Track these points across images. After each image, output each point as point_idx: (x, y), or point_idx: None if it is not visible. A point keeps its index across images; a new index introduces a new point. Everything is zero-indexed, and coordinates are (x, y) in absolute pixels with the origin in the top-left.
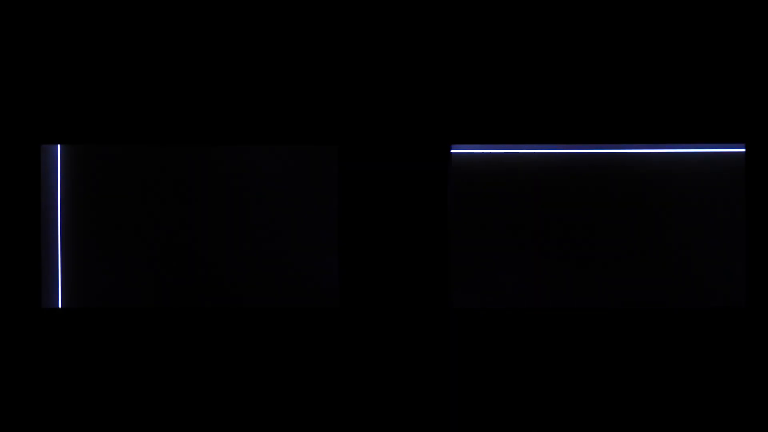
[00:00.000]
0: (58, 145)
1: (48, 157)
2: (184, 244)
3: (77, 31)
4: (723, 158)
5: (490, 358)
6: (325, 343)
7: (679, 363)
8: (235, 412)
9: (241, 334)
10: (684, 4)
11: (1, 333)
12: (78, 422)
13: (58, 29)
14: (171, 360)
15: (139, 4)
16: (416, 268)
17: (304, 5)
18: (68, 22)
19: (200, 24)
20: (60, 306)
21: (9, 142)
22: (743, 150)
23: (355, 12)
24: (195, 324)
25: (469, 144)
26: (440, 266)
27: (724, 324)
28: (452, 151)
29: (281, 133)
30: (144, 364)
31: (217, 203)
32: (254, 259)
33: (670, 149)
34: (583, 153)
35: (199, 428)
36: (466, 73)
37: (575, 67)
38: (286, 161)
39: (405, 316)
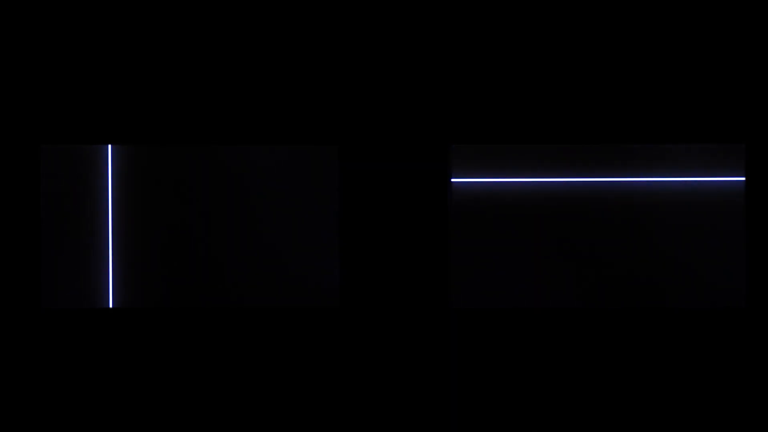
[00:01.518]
0: (109, 146)
1: (99, 157)
2: (184, 243)
3: (77, 30)
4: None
5: (490, 358)
6: (324, 342)
7: (679, 363)
8: (234, 411)
9: (241, 334)
10: (684, 3)
11: (1, 333)
12: (78, 423)
13: (58, 29)
14: (171, 360)
15: (139, 4)
16: (416, 268)
17: (303, 5)
18: (68, 21)
19: (201, 24)
20: (111, 306)
21: (9, 142)
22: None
23: (354, 12)
24: (195, 324)
25: (470, 143)
26: (440, 266)
27: (724, 324)
28: (453, 180)
29: (281, 133)
30: (144, 364)
31: (217, 203)
32: (255, 258)
33: (668, 179)
34: (583, 182)
35: (199, 428)
36: (466, 72)
37: (574, 65)
38: (286, 161)
39: (405, 316)
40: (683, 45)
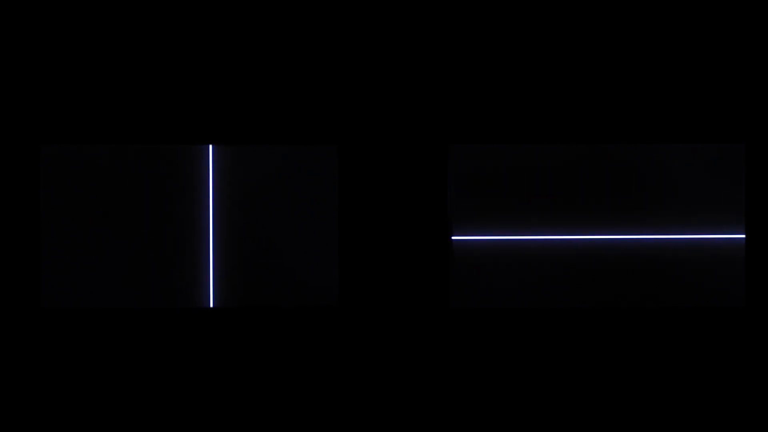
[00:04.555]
0: (210, 146)
1: (200, 156)
2: (183, 243)
3: (77, 31)
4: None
5: (490, 358)
6: (323, 341)
7: (678, 362)
8: (233, 410)
9: (240, 332)
10: (684, 4)
11: (1, 333)
12: (78, 423)
13: (58, 29)
14: (171, 359)
15: (140, 4)
16: (416, 268)
17: (304, 6)
18: (68, 22)
19: (201, 24)
20: (212, 305)
21: (9, 142)
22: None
23: (354, 12)
24: (194, 323)
25: (468, 143)
26: (440, 266)
27: (723, 323)
28: (453, 238)
29: (281, 133)
30: (144, 364)
31: (218, 203)
32: (254, 257)
33: (670, 236)
34: (581, 241)
35: (199, 427)
36: (465, 72)
37: (574, 66)
38: (286, 161)
39: (404, 316)
40: (683, 46)
